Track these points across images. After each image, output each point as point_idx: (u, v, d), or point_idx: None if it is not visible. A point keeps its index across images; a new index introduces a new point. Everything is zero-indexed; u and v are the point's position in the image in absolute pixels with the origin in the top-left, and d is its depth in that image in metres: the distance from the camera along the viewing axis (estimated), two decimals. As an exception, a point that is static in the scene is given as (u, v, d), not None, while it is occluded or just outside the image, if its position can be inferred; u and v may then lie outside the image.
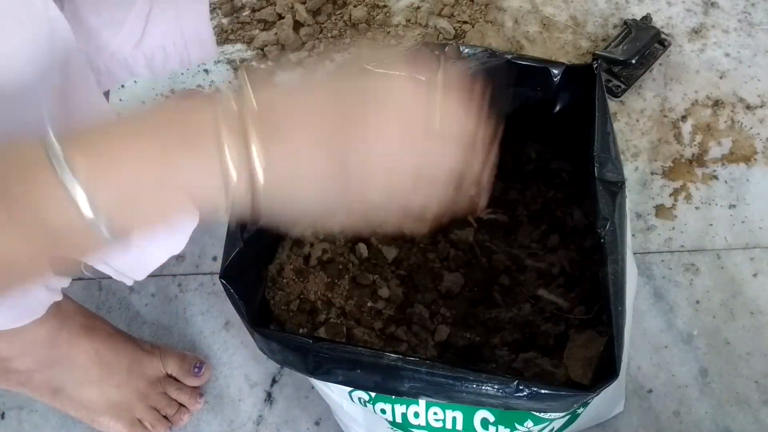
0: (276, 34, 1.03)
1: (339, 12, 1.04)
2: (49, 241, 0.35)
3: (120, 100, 1.00)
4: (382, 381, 0.55)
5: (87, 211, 0.34)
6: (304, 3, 1.04)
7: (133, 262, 0.62)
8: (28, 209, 0.34)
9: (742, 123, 0.92)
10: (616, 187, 0.59)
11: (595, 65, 0.66)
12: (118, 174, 0.35)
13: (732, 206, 0.87)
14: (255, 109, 0.36)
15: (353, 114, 0.37)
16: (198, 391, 0.80)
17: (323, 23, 1.04)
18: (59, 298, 0.66)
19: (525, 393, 0.53)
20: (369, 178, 0.38)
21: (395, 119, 0.38)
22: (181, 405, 0.79)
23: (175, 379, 0.80)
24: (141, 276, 0.64)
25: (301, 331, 0.68)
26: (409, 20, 1.03)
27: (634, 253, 0.83)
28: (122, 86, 0.98)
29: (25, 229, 0.34)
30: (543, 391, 0.53)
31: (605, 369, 0.55)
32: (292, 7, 1.04)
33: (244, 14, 1.06)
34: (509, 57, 0.68)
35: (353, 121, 0.37)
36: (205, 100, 0.36)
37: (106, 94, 0.85)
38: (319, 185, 0.38)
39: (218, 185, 0.36)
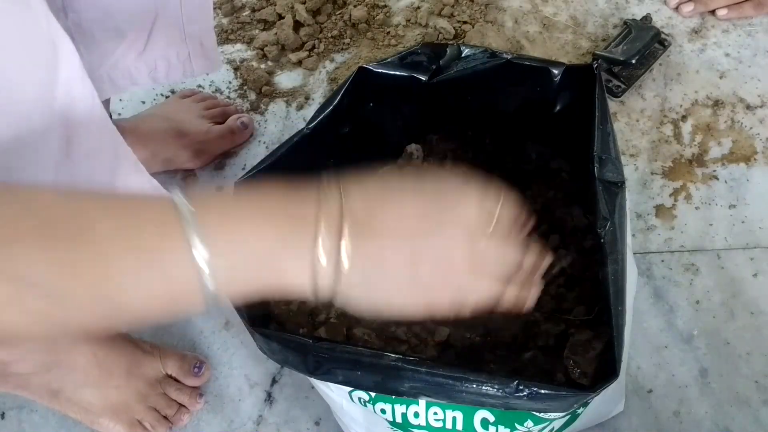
0: (276, 34, 1.03)
1: (339, 12, 1.04)
2: (162, 297, 0.38)
3: (120, 99, 1.00)
4: (382, 381, 0.55)
5: (206, 275, 0.38)
6: (304, 3, 1.04)
7: None
8: (154, 263, 0.37)
9: (742, 123, 0.92)
10: (616, 187, 0.59)
11: (595, 65, 0.66)
12: (240, 246, 0.39)
13: (732, 206, 0.87)
14: (351, 208, 0.42)
15: (431, 225, 0.43)
16: (198, 391, 0.80)
17: (323, 23, 1.04)
18: None
19: (525, 393, 0.53)
20: (439, 285, 0.44)
21: (465, 230, 0.44)
22: (181, 405, 0.79)
23: (175, 380, 0.80)
24: None
25: (301, 331, 0.67)
26: (409, 20, 1.03)
27: (634, 253, 0.83)
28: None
29: (146, 281, 0.37)
30: (543, 391, 0.53)
31: (605, 369, 0.55)
32: (292, 7, 1.04)
33: (244, 14, 1.06)
34: (509, 57, 0.68)
35: (431, 232, 0.43)
36: (311, 196, 0.42)
37: (107, 100, 0.85)
38: (392, 283, 0.43)
39: (309, 272, 0.41)
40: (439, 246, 0.43)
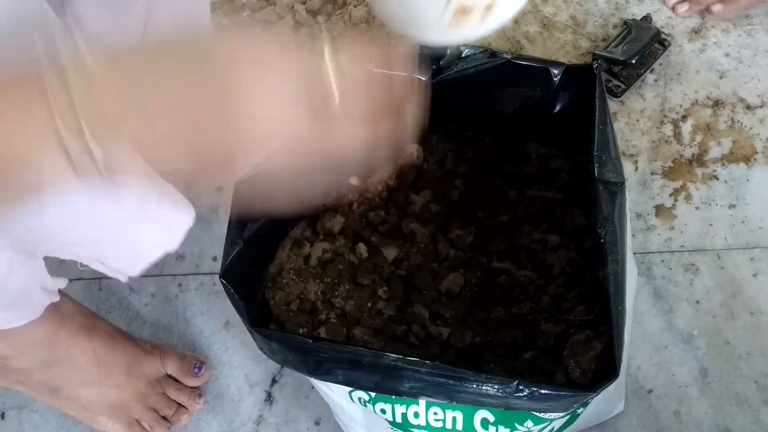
0: (276, 34, 1.03)
1: (339, 12, 1.04)
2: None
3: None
4: (382, 381, 0.55)
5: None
6: (304, 3, 1.04)
7: (126, 258, 0.62)
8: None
9: (742, 123, 0.92)
10: (616, 187, 0.59)
11: (595, 65, 0.66)
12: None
13: (732, 206, 0.87)
14: None
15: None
16: (197, 392, 0.80)
17: (323, 23, 1.04)
18: (56, 299, 0.66)
19: (525, 393, 0.53)
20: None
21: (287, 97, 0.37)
22: (180, 405, 0.79)
23: (175, 380, 0.80)
24: (135, 272, 0.64)
25: (301, 331, 0.68)
26: (409, 20, 1.03)
27: (634, 253, 0.83)
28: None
29: None
30: (543, 391, 0.53)
31: (605, 369, 0.55)
32: (292, 7, 1.04)
33: (244, 14, 1.06)
34: (509, 57, 0.68)
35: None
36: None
37: None
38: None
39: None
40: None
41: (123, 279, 0.64)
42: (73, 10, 0.63)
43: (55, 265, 0.61)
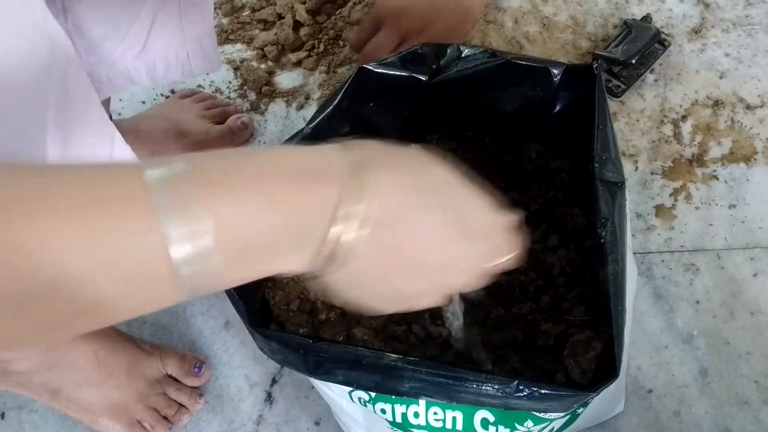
0: (276, 34, 1.03)
1: (339, 12, 1.04)
2: (132, 285, 0.32)
3: (120, 99, 1.00)
4: (382, 381, 0.55)
5: (181, 255, 0.32)
6: (304, 3, 1.04)
7: None
8: (115, 247, 0.30)
9: (742, 123, 0.92)
10: (616, 187, 0.59)
11: (595, 65, 0.66)
12: (225, 227, 0.32)
13: (732, 206, 0.87)
14: (378, 210, 0.37)
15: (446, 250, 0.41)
16: (198, 391, 0.80)
17: (323, 23, 1.04)
18: None
19: (525, 393, 0.53)
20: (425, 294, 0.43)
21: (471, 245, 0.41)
22: (181, 405, 0.79)
23: (175, 380, 0.80)
24: None
25: (301, 331, 0.67)
26: (409, 20, 1.03)
27: (634, 253, 0.83)
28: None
29: (107, 269, 0.31)
30: (543, 391, 0.53)
31: (605, 369, 0.55)
32: (292, 7, 1.04)
33: (244, 14, 1.06)
34: (509, 57, 0.68)
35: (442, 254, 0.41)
36: (332, 172, 0.37)
37: (107, 100, 0.85)
38: (385, 291, 0.41)
39: (305, 261, 0.36)
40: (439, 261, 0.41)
41: None
42: (74, 17, 0.63)
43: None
